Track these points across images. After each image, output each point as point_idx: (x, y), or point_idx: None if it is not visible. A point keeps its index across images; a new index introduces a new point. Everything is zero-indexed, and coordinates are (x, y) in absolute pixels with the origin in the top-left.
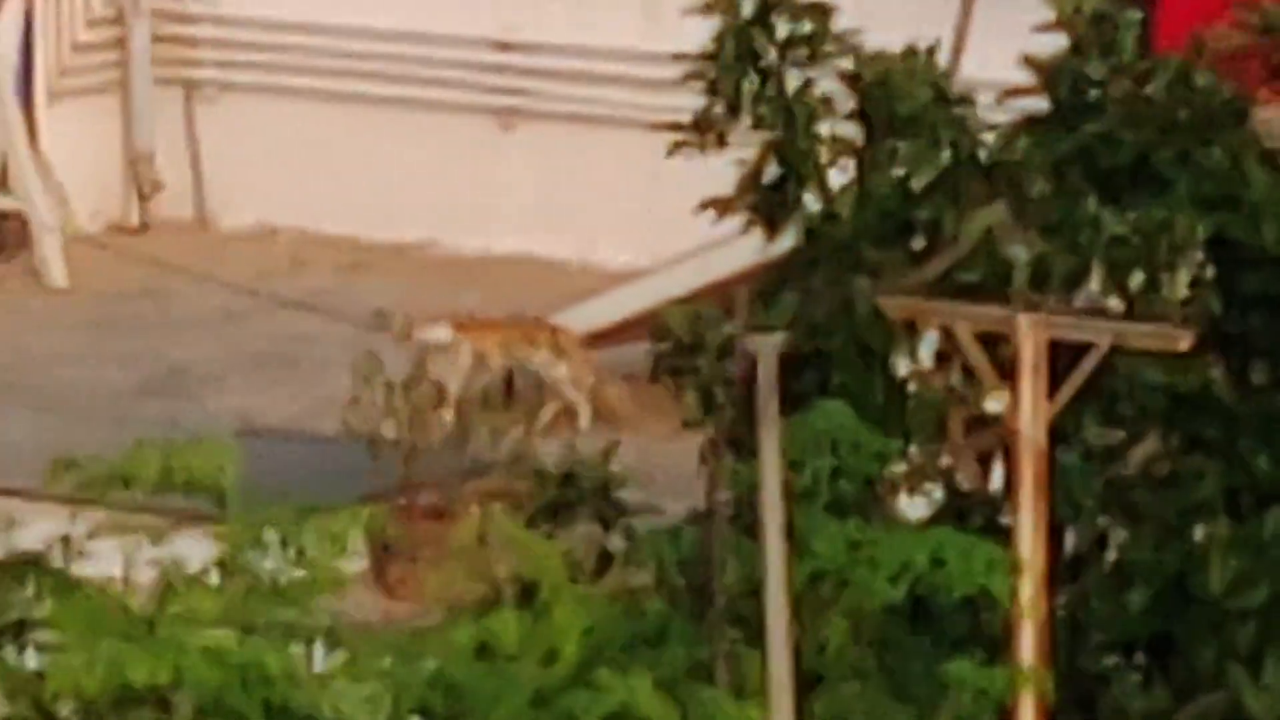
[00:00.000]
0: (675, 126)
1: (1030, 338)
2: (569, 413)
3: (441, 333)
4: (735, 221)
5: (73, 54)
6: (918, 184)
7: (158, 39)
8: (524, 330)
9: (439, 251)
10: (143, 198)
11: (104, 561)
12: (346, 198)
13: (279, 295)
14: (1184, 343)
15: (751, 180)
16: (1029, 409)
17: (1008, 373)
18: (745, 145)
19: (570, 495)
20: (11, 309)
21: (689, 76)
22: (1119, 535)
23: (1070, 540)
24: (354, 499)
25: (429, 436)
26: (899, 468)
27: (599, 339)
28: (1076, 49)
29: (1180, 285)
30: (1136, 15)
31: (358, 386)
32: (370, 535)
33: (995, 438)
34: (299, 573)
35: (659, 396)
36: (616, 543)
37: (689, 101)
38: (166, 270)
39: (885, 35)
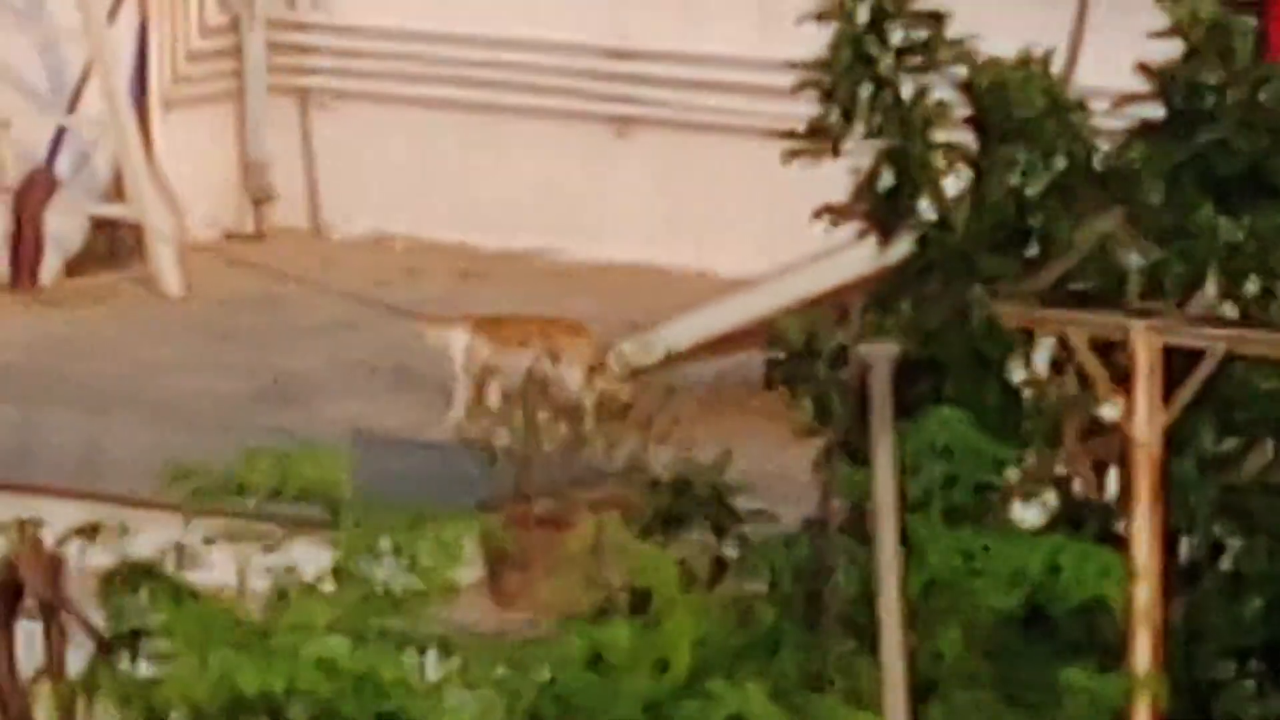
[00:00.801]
0: (790, 134)
1: (1145, 345)
2: (569, 411)
3: (458, 333)
4: (850, 229)
5: (187, 62)
6: (1032, 191)
7: (272, 47)
8: (538, 329)
9: (553, 259)
10: (257, 206)
11: (218, 570)
12: (461, 206)
13: (393, 303)
14: None
15: (866, 187)
16: (1144, 416)
17: (1122, 380)
18: (860, 153)
19: (684, 504)
20: (126, 317)
21: (804, 84)
22: (1234, 543)
23: (1185, 548)
24: (468, 507)
25: (543, 445)
26: (1013, 475)
27: (714, 347)
28: (1191, 56)
29: None
30: (1251, 22)
31: (472, 394)
32: (484, 544)
33: (1110, 445)
34: (412, 581)
35: (773, 404)
36: (730, 551)
37: (804, 109)
38: (281, 278)
39: (1000, 42)
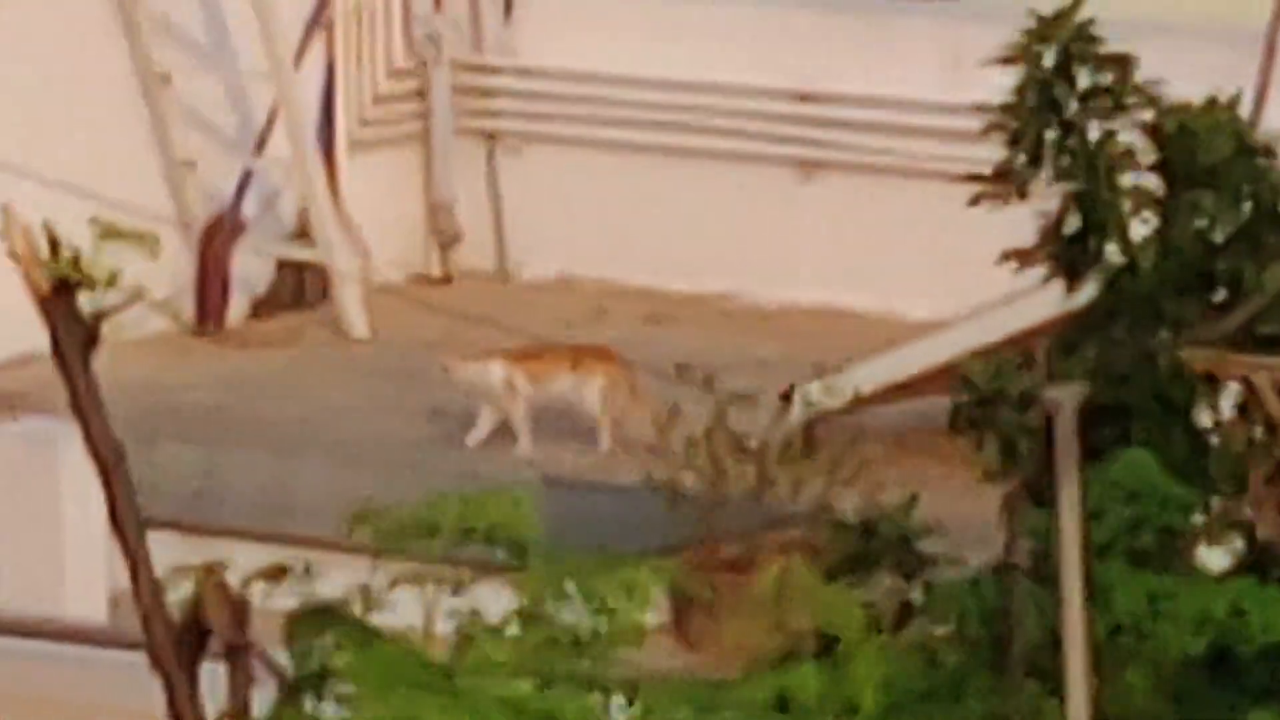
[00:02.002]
0: (976, 178)
1: None
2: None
3: (494, 368)
4: (1036, 273)
5: (374, 105)
6: (1219, 236)
7: (459, 90)
8: (568, 358)
9: (739, 303)
10: (443, 249)
11: (403, 612)
12: (647, 249)
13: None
14: None
15: (1052, 232)
16: None
17: None
18: (1046, 196)
19: (870, 547)
20: (312, 359)
21: (990, 128)
22: None
23: None
24: (654, 550)
25: (729, 488)
26: (1199, 519)
27: (900, 390)
28: None
29: None
30: None
31: (658, 438)
32: (670, 587)
33: None
34: (598, 624)
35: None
36: (916, 595)
37: (990, 153)
38: (467, 321)
39: (1186, 86)
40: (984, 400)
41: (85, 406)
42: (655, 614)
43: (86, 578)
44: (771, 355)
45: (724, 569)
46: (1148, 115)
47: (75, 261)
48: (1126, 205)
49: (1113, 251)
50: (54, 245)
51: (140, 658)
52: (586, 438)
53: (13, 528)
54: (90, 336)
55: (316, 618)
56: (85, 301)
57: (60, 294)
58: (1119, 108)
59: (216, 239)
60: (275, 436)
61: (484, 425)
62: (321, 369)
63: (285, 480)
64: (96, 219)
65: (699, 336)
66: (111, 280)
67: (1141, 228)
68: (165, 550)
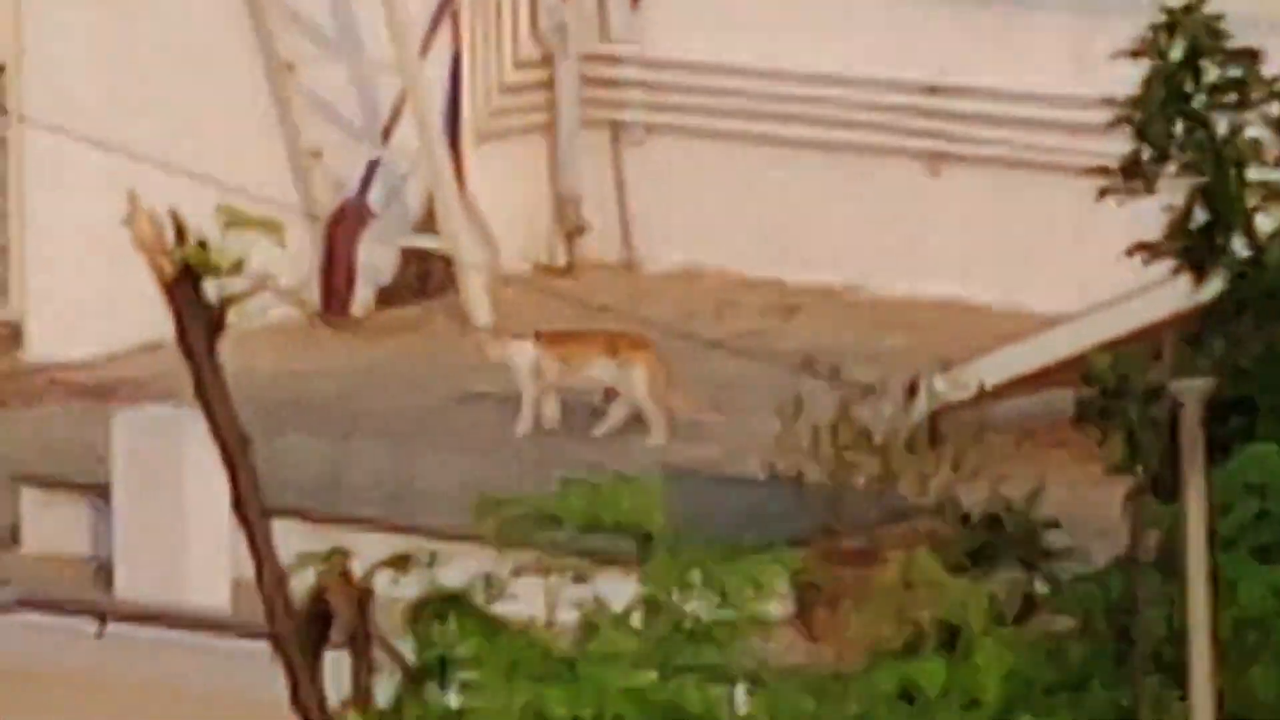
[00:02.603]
0: (1103, 171)
1: None
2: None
3: (525, 347)
4: (1163, 267)
5: (500, 95)
6: None
7: (585, 80)
8: (603, 343)
9: (866, 295)
10: (568, 239)
11: (526, 601)
12: (773, 240)
13: (705, 337)
14: None
15: (1179, 225)
16: None
17: None
18: (1173, 190)
19: (995, 539)
20: (438, 349)
21: (1117, 121)
22: None
23: None
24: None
25: (855, 479)
26: None
27: (1026, 383)
28: None
29: None
30: None
31: (783, 429)
32: (794, 579)
33: None
34: (722, 614)
35: (1085, 441)
36: (1041, 587)
37: (1117, 146)
38: (592, 311)
39: None
40: (1109, 394)
41: (210, 394)
42: (779, 605)
43: (210, 566)
44: (897, 348)
45: (848, 561)
46: (1275, 109)
47: (201, 249)
48: (1253, 199)
49: (1239, 245)
50: (180, 233)
51: (263, 646)
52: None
53: (137, 516)
54: (215, 324)
55: (439, 606)
56: (210, 289)
57: (185, 281)
58: (1246, 101)
59: (342, 228)
60: (399, 426)
61: (526, 417)
62: (447, 358)
63: (409, 469)
64: (222, 207)
65: (825, 328)
66: (237, 268)
67: (1268, 221)
68: (289, 539)
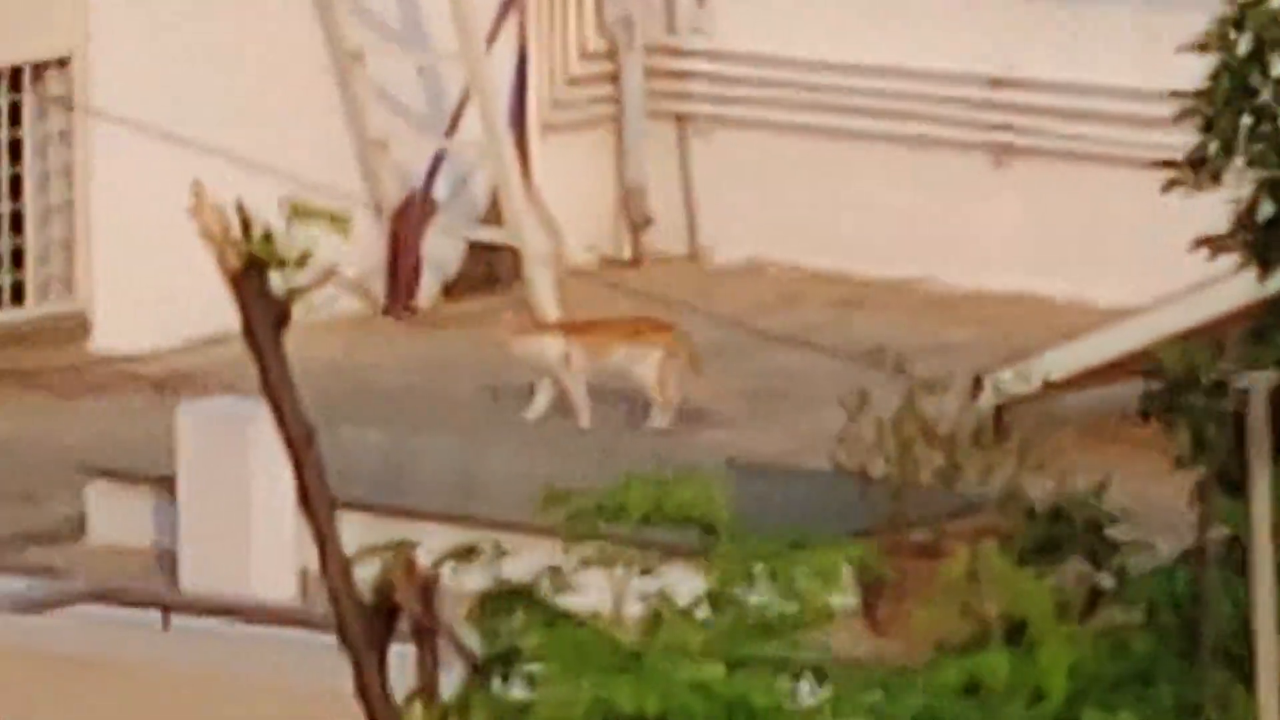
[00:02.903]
0: (1169, 164)
1: None
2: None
3: (552, 343)
4: (1229, 260)
5: (566, 87)
6: None
7: (651, 73)
8: (627, 330)
9: (932, 288)
10: (635, 232)
11: (592, 594)
12: (839, 233)
13: (770, 330)
14: None
15: (1245, 218)
16: None
17: None
18: (1239, 183)
19: (1061, 533)
20: (503, 341)
21: (1183, 114)
22: None
23: None
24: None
25: (919, 473)
26: None
27: (1092, 377)
28: None
29: None
30: None
31: (848, 423)
32: (860, 571)
33: None
34: (787, 607)
35: (1151, 434)
36: (1107, 581)
37: (1184, 139)
38: (658, 304)
39: None
40: (1175, 387)
41: (276, 386)
42: (845, 598)
43: (275, 558)
44: (963, 341)
45: (913, 554)
46: None
47: (267, 240)
48: None
49: None
50: (245, 224)
51: (329, 638)
52: (794, 421)
53: (203, 508)
54: (281, 316)
55: (505, 599)
56: (276, 281)
57: (251, 273)
58: None
59: (407, 220)
60: (465, 418)
61: (542, 399)
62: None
63: (475, 462)
64: (288, 198)
65: (890, 321)
66: (303, 260)
67: None
68: (354, 532)
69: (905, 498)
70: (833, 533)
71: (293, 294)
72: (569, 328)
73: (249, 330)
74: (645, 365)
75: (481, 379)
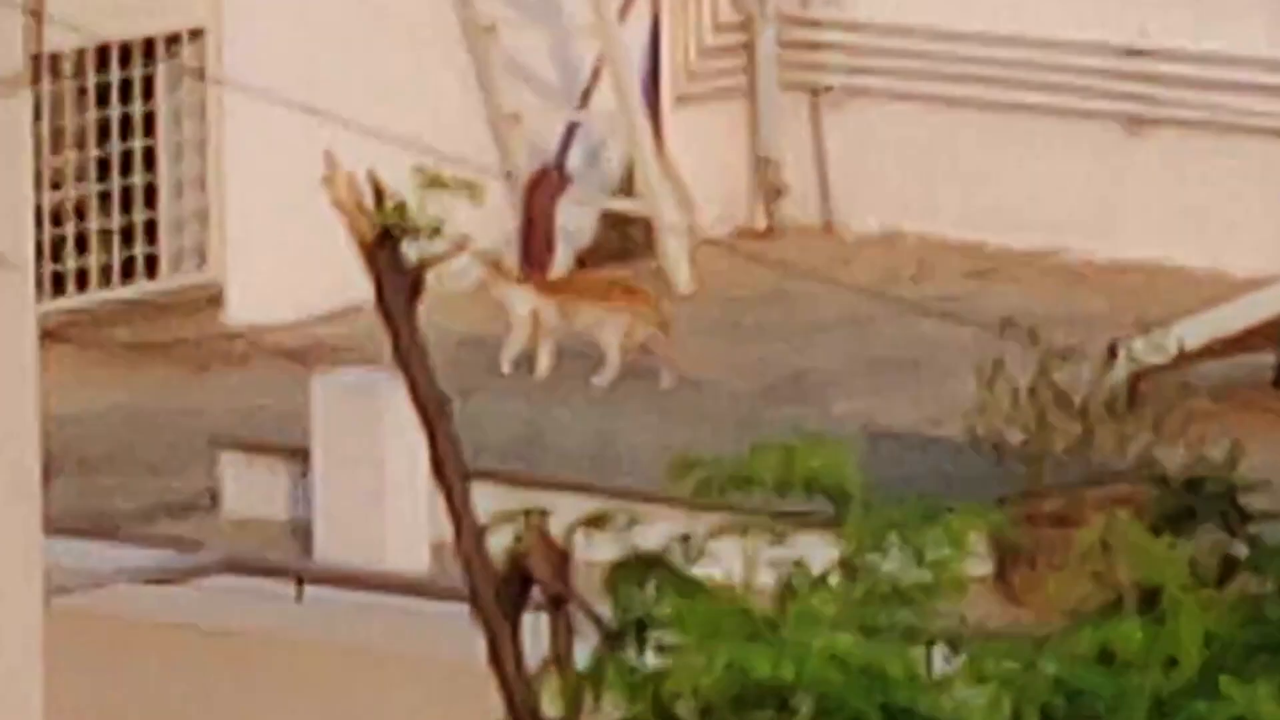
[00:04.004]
0: None
1: None
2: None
3: (523, 296)
4: None
5: (699, 58)
6: None
7: (784, 44)
8: (598, 292)
9: (1066, 258)
10: (769, 202)
11: (723, 562)
12: (973, 203)
13: (905, 300)
14: None
15: None
16: None
17: None
18: None
19: (1195, 501)
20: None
21: None
22: None
23: None
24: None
25: (1054, 442)
26: None
27: (1226, 346)
28: None
29: None
30: None
31: (982, 392)
32: (994, 540)
33: None
34: (920, 575)
35: None
36: (1241, 549)
37: None
38: (792, 274)
39: None
40: None
41: (409, 356)
42: (979, 566)
43: (409, 528)
44: (1097, 310)
45: (1048, 523)
46: None
47: (400, 210)
48: None
49: None
50: (379, 194)
51: (462, 608)
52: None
53: (337, 479)
54: (414, 286)
55: (638, 568)
56: (409, 251)
57: (384, 243)
58: None
59: (541, 191)
60: (599, 389)
61: (510, 352)
62: None
63: (608, 432)
64: (421, 167)
65: (1024, 291)
66: (436, 230)
67: None
68: (487, 502)
69: (1040, 467)
70: (967, 502)
71: (426, 264)
72: (543, 284)
73: (382, 300)
74: (610, 329)
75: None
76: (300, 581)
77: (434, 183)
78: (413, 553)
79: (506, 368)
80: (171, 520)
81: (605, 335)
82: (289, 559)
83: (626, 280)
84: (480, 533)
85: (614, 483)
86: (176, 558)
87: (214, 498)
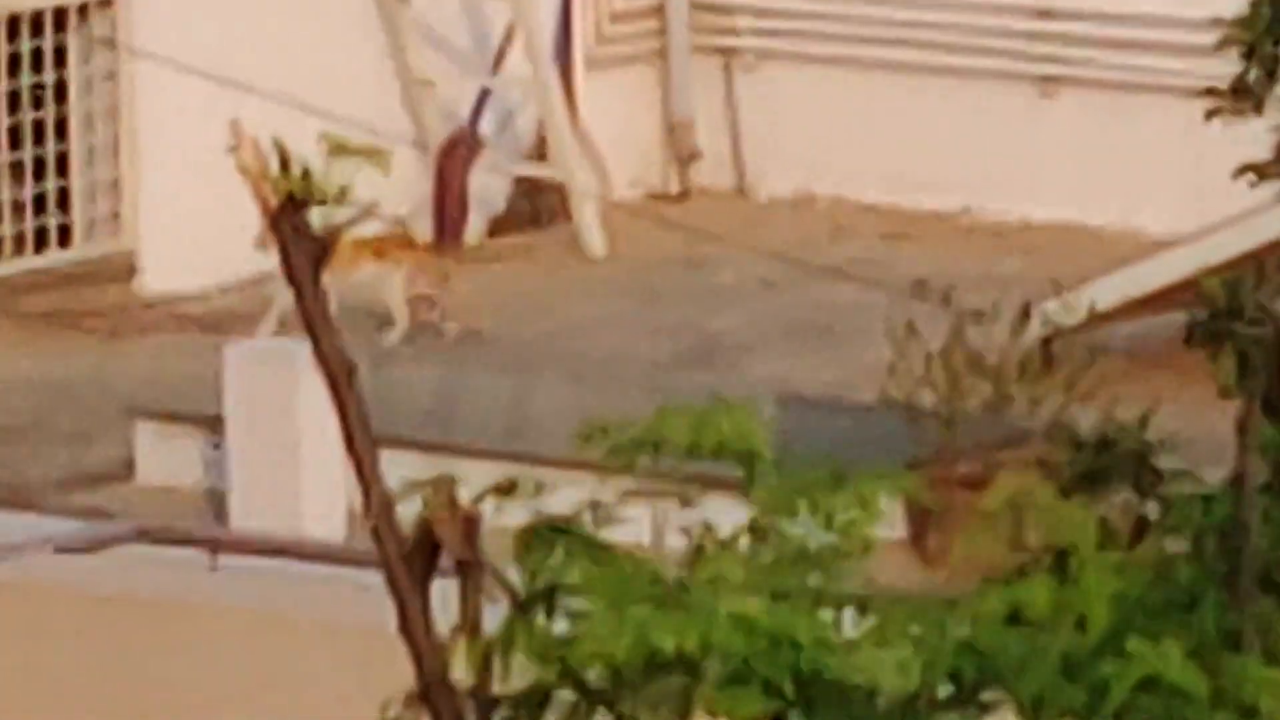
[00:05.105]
0: (1212, 92)
1: None
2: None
3: None
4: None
5: (611, 23)
6: None
7: (695, 7)
8: (373, 247)
9: (979, 219)
10: (681, 166)
11: (633, 527)
12: (885, 166)
13: (817, 264)
14: None
15: None
16: None
17: None
18: None
19: (1106, 463)
20: (549, 278)
21: (1224, 42)
22: None
23: None
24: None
25: (966, 404)
26: None
27: (1139, 306)
28: None
29: None
30: None
31: (895, 355)
32: (907, 503)
33: None
34: (829, 538)
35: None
36: (1152, 510)
37: (1229, 67)
38: (705, 239)
39: None
40: (1219, 315)
41: (315, 322)
42: (889, 529)
43: (324, 496)
44: (1010, 272)
45: (961, 485)
46: None
47: (305, 177)
48: None
49: None
50: (284, 161)
51: (376, 575)
52: (841, 354)
53: (251, 447)
54: (320, 253)
55: (547, 533)
56: (316, 218)
57: (290, 210)
58: None
59: (453, 158)
60: (512, 355)
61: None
62: (558, 287)
63: (522, 398)
64: (326, 134)
65: (937, 253)
66: (341, 196)
67: None
68: (402, 469)
69: (954, 429)
70: (880, 464)
71: (332, 231)
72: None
73: (288, 267)
74: (390, 283)
75: (529, 315)
76: (214, 550)
77: (339, 149)
78: (329, 520)
79: (268, 330)
80: (86, 490)
81: (388, 291)
82: (203, 527)
83: (401, 234)
84: (389, 500)
85: (530, 449)
86: (91, 528)
87: (129, 467)
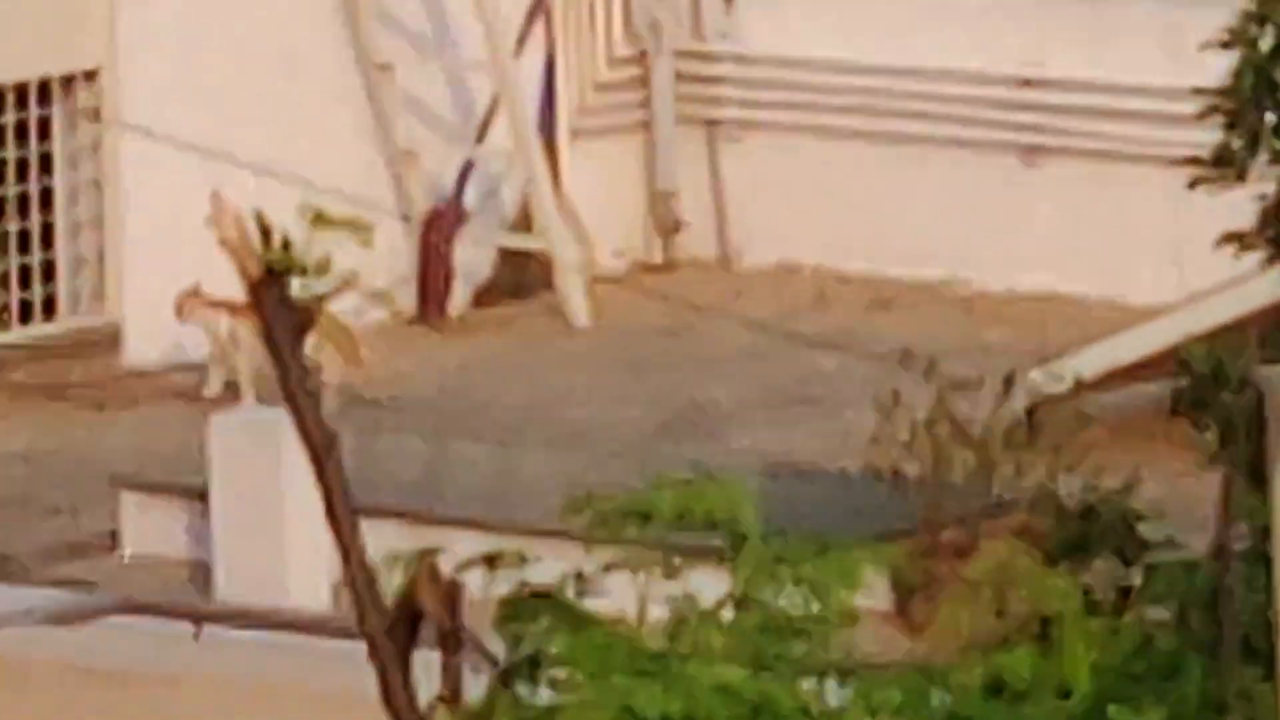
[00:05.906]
0: (1195, 161)
1: None
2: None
3: (222, 320)
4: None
5: (595, 94)
6: None
7: (680, 78)
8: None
9: (963, 289)
10: (665, 236)
11: (616, 597)
12: (869, 236)
13: (802, 333)
14: None
15: (1272, 215)
16: None
17: None
18: (1265, 180)
19: (1091, 531)
20: (534, 348)
21: (1207, 111)
22: None
23: None
24: (877, 536)
25: (952, 473)
26: None
27: (1123, 375)
28: None
29: None
30: None
31: (880, 424)
32: (891, 572)
33: None
34: (812, 608)
35: (1182, 431)
36: (1136, 578)
37: (1212, 136)
38: (689, 309)
39: None
40: (1203, 384)
41: (296, 393)
42: (873, 598)
43: (309, 567)
44: (994, 341)
45: (946, 554)
46: None
47: (285, 248)
48: None
49: None
50: (265, 233)
51: (361, 646)
52: (826, 424)
53: (236, 517)
54: (302, 324)
55: (530, 603)
56: (297, 289)
57: (271, 282)
58: None
59: (438, 229)
60: (498, 425)
61: (215, 381)
62: (542, 357)
63: (508, 469)
64: (308, 206)
65: (921, 323)
66: (322, 268)
67: None
68: (387, 539)
69: (938, 498)
70: (866, 534)
71: (314, 302)
72: (232, 307)
73: (270, 338)
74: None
75: (514, 386)
76: (198, 622)
77: (322, 221)
78: (314, 591)
79: (213, 390)
80: (71, 561)
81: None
82: (187, 599)
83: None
84: (371, 570)
85: (516, 519)
86: (75, 599)
87: (113, 539)
